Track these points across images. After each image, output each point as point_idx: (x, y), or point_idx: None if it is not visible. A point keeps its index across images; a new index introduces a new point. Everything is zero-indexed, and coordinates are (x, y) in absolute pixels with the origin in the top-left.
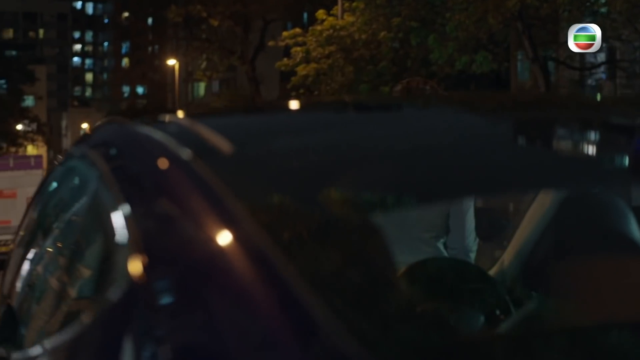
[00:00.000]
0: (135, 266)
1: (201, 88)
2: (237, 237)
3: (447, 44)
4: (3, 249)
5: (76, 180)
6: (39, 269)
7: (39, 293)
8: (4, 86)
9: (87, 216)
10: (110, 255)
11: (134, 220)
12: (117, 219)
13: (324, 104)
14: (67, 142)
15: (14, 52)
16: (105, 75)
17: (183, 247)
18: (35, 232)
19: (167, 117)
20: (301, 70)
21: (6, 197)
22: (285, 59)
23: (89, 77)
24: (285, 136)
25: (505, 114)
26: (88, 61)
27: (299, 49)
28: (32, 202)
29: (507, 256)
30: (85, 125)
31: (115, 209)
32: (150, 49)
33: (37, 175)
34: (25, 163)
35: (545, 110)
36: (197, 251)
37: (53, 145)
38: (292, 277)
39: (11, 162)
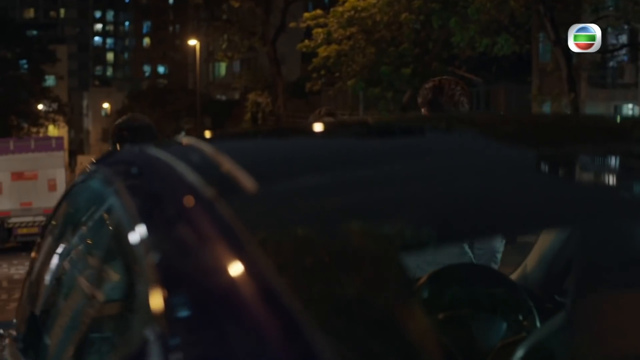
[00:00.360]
0: (153, 299)
1: (222, 68)
2: (253, 282)
3: (468, 26)
4: (24, 231)
5: (96, 202)
6: (59, 284)
7: (59, 309)
8: (25, 66)
9: (105, 238)
10: (129, 282)
11: (152, 250)
12: (136, 246)
13: (349, 129)
14: (87, 122)
15: (34, 32)
16: (126, 55)
17: (198, 281)
18: (56, 243)
19: (190, 143)
20: (322, 51)
21: (27, 178)
22: (306, 41)
23: (110, 56)
24: (305, 171)
25: (531, 144)
26: (109, 40)
27: (320, 30)
28: (53, 216)
29: (530, 261)
30: (106, 105)
31: (134, 239)
32: (171, 28)
33: (58, 157)
34: (47, 145)
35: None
36: (212, 288)
37: (74, 125)
38: (301, 311)
39: (32, 144)
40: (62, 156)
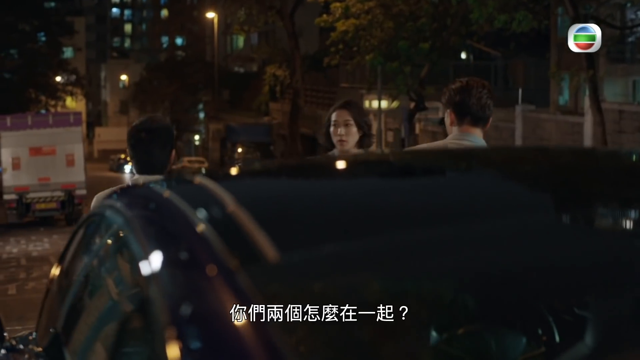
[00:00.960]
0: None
1: (240, 40)
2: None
3: (487, 2)
4: (42, 206)
5: (111, 239)
6: (78, 304)
7: (79, 329)
8: (43, 39)
9: (118, 271)
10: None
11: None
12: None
13: (375, 171)
14: (105, 94)
15: (52, 4)
16: (144, 26)
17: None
18: (74, 266)
19: (210, 192)
20: (340, 26)
21: (45, 154)
22: (324, 15)
23: (127, 28)
24: (332, 234)
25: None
26: (127, 12)
27: (338, 4)
28: (72, 239)
29: None
30: (124, 77)
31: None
32: (188, 0)
33: (76, 132)
34: (65, 120)
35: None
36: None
37: (92, 97)
38: None
39: (50, 120)
40: (80, 131)
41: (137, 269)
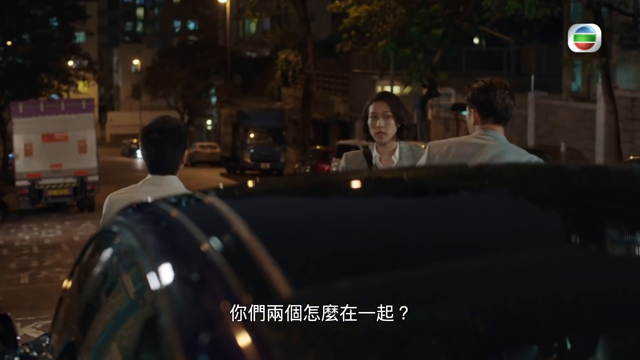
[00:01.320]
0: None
1: (252, 25)
2: None
3: None
4: (54, 192)
5: (120, 254)
6: (89, 316)
7: (91, 341)
8: (55, 24)
9: (128, 288)
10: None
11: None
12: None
13: (390, 192)
14: (117, 78)
15: None
16: (156, 11)
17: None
18: (86, 279)
19: (219, 215)
20: (353, 12)
21: (58, 140)
22: (336, 1)
23: (140, 12)
24: (350, 267)
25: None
26: None
27: None
28: (84, 252)
29: None
30: (136, 62)
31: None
32: None
33: (88, 119)
34: (77, 106)
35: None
36: None
37: (104, 81)
38: None
39: (62, 106)
40: (93, 118)
41: (147, 292)
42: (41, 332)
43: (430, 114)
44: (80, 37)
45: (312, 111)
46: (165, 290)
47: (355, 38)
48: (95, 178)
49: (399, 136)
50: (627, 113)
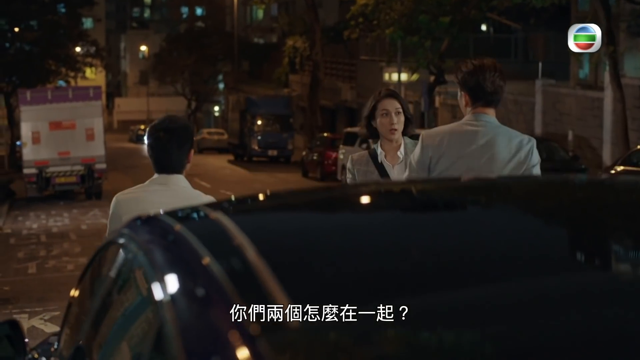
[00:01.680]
0: None
1: (260, 11)
2: None
3: None
4: (62, 180)
5: (127, 269)
6: (97, 323)
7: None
8: (63, 10)
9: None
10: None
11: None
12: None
13: (401, 209)
14: (125, 64)
15: None
16: None
17: None
18: (93, 289)
19: (227, 234)
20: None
21: (65, 128)
22: None
23: None
24: (352, 297)
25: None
26: None
27: None
28: (91, 263)
29: None
30: (143, 48)
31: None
32: None
33: (96, 107)
34: (84, 94)
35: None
36: None
37: (111, 67)
38: None
39: (70, 94)
40: (100, 105)
41: (152, 304)
42: (49, 325)
43: (437, 101)
44: (87, 23)
45: (319, 98)
46: (170, 303)
47: (363, 25)
48: (103, 166)
49: (404, 131)
50: (634, 101)
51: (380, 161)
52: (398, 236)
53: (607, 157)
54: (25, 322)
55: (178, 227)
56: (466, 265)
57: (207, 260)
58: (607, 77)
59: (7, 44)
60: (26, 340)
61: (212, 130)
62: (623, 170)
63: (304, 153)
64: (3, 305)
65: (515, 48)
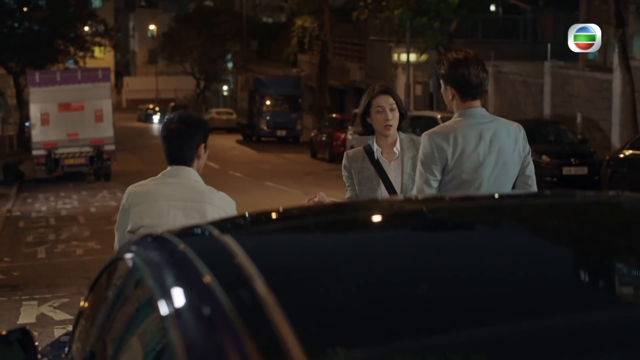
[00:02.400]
0: None
1: None
2: None
3: None
4: (71, 161)
5: (132, 284)
6: (104, 337)
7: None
8: None
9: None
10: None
11: None
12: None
13: (416, 234)
14: (134, 43)
15: None
16: None
17: None
18: (102, 301)
19: (234, 261)
20: None
21: (74, 109)
22: None
23: None
24: (365, 336)
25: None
26: None
27: None
28: (100, 277)
29: None
30: (152, 27)
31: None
32: None
33: (104, 88)
34: (93, 76)
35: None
36: None
37: (120, 46)
38: None
39: (79, 75)
40: (109, 87)
41: (158, 321)
42: (58, 312)
43: None
44: (96, 2)
45: (328, 78)
46: (174, 321)
47: (372, 6)
48: (112, 147)
49: (399, 127)
50: None
51: (376, 158)
52: (414, 266)
53: (615, 139)
54: (35, 310)
55: (182, 246)
56: (495, 300)
57: (208, 280)
58: (616, 58)
59: (16, 24)
60: (36, 343)
61: (221, 110)
62: (632, 154)
63: (312, 134)
64: (13, 291)
65: (524, 29)
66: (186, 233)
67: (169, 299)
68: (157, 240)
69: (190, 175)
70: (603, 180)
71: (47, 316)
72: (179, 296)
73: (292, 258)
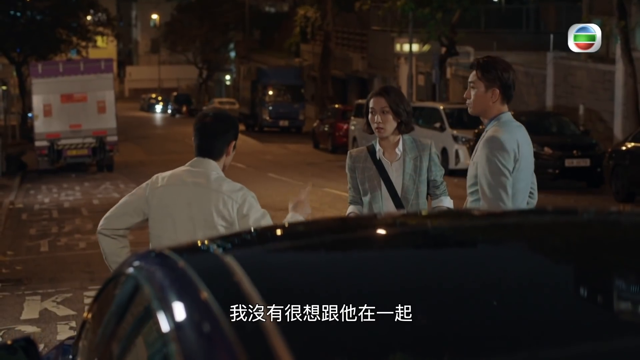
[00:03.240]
0: None
1: None
2: None
3: None
4: (73, 152)
5: (136, 301)
6: (107, 350)
7: None
8: None
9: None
10: None
11: None
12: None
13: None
14: (136, 33)
15: None
16: None
17: None
18: (104, 321)
19: (238, 285)
20: None
21: (77, 100)
22: None
23: None
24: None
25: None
26: None
27: None
28: (102, 290)
29: None
30: (155, 16)
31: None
32: None
33: (107, 79)
34: (96, 67)
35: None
36: None
37: (123, 36)
38: None
39: (81, 66)
40: (112, 78)
41: (158, 336)
42: (61, 307)
43: (449, 72)
44: None
45: (330, 68)
46: (174, 336)
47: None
48: (114, 138)
49: (399, 131)
50: None
51: (378, 158)
52: (417, 286)
53: (618, 130)
54: (38, 305)
55: (182, 263)
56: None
57: (205, 297)
58: (618, 49)
59: (19, 14)
60: (40, 349)
61: (224, 99)
62: (634, 146)
63: (315, 124)
64: (16, 286)
65: (526, 19)
66: (187, 250)
67: (168, 315)
68: (159, 257)
69: (209, 166)
70: (605, 173)
71: (50, 312)
72: (178, 313)
73: (291, 276)
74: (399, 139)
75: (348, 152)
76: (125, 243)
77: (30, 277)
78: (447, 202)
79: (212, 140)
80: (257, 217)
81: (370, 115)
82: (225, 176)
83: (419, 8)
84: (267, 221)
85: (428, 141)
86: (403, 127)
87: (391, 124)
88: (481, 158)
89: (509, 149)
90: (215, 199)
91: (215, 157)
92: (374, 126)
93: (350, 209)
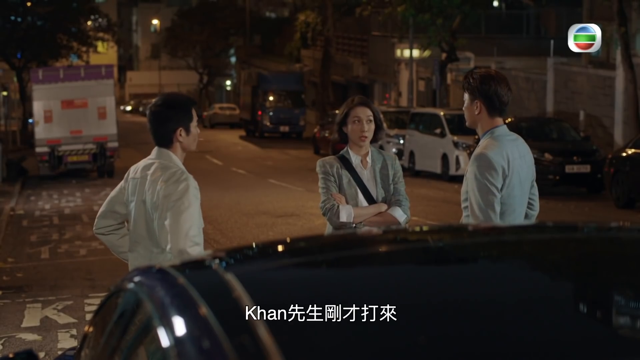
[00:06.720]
0: None
1: None
2: None
3: None
4: (74, 158)
5: (137, 316)
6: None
7: None
8: None
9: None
10: None
11: None
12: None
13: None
14: (137, 38)
15: None
16: None
17: None
18: (104, 335)
19: (238, 303)
20: None
21: (77, 107)
22: None
23: None
24: None
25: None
26: None
27: None
28: (103, 305)
29: None
30: (155, 22)
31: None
32: None
33: (108, 85)
34: (96, 73)
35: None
36: None
37: (123, 41)
38: None
39: (82, 72)
40: (112, 84)
41: (159, 350)
42: (62, 315)
43: (449, 78)
44: None
45: (331, 74)
46: (174, 351)
47: (375, 2)
48: (115, 144)
49: (375, 138)
50: None
51: (355, 165)
52: (421, 305)
53: (618, 136)
54: (39, 313)
55: (182, 280)
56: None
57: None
58: (618, 56)
59: (19, 19)
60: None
61: (224, 105)
62: (634, 153)
63: (315, 130)
64: (17, 293)
65: (527, 25)
66: (188, 266)
67: (168, 330)
68: (160, 273)
69: (162, 155)
70: (605, 179)
71: (51, 319)
72: (178, 329)
73: (291, 293)
74: (369, 149)
75: (319, 161)
76: (124, 232)
77: (31, 285)
78: (398, 213)
79: (156, 127)
80: (182, 209)
81: (353, 125)
82: (181, 163)
83: (420, 14)
84: (190, 214)
85: (392, 154)
86: (379, 133)
87: (372, 132)
88: (470, 175)
89: (496, 166)
90: (152, 189)
91: (166, 144)
92: (357, 135)
93: (346, 210)
